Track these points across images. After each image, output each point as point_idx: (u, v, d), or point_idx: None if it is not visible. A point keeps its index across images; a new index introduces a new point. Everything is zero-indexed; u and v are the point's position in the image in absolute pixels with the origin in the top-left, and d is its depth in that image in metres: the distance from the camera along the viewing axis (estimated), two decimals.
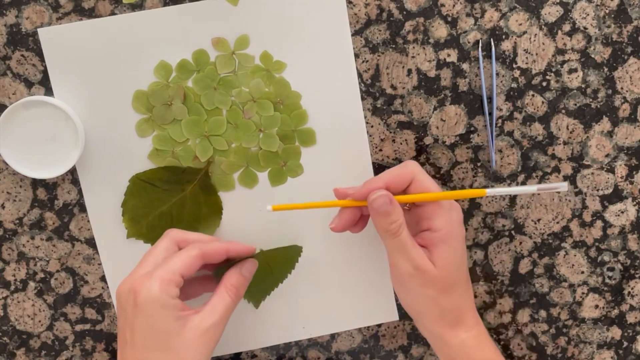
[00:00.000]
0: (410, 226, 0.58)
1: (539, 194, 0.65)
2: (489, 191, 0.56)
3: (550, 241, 0.67)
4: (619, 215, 0.66)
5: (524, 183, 0.65)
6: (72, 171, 0.64)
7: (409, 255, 0.56)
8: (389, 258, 0.58)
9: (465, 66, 0.64)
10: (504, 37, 0.63)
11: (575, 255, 0.67)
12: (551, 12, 0.63)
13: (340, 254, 0.66)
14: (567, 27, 0.63)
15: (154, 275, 0.52)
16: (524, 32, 0.63)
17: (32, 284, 0.66)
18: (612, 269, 0.67)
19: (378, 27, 0.63)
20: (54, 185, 0.64)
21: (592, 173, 0.66)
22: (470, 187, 0.65)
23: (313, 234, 0.66)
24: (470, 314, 0.59)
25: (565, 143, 0.65)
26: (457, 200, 0.63)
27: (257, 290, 0.64)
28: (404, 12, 0.63)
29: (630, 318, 0.68)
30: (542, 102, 0.64)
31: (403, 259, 0.56)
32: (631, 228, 0.66)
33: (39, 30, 0.62)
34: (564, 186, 0.55)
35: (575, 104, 0.65)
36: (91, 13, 0.62)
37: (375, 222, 0.57)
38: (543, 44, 0.63)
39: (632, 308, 0.68)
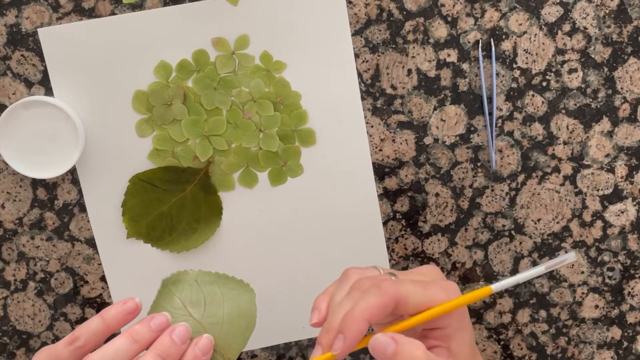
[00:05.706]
0: (415, 334, 0.50)
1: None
2: (494, 287, 0.48)
3: (550, 241, 0.67)
4: (619, 215, 0.66)
5: (524, 183, 0.65)
6: (72, 171, 0.64)
7: None
8: None
9: (465, 66, 0.64)
10: (504, 37, 0.63)
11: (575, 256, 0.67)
12: (551, 12, 0.63)
13: (340, 253, 0.66)
14: (567, 27, 0.63)
15: None
16: (524, 32, 0.63)
17: (32, 284, 0.66)
18: (612, 269, 0.67)
19: (378, 27, 0.63)
20: (54, 185, 0.64)
21: (592, 173, 0.66)
22: (470, 187, 0.65)
23: (313, 233, 0.66)
24: None
25: (565, 143, 0.65)
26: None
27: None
28: (404, 12, 0.63)
29: (630, 318, 0.68)
30: (542, 102, 0.64)
31: None
32: (631, 228, 0.66)
33: (39, 30, 0.62)
34: (573, 256, 0.48)
35: (575, 104, 0.65)
36: (91, 13, 0.62)
37: None
38: (543, 44, 0.63)
39: (632, 308, 0.68)
